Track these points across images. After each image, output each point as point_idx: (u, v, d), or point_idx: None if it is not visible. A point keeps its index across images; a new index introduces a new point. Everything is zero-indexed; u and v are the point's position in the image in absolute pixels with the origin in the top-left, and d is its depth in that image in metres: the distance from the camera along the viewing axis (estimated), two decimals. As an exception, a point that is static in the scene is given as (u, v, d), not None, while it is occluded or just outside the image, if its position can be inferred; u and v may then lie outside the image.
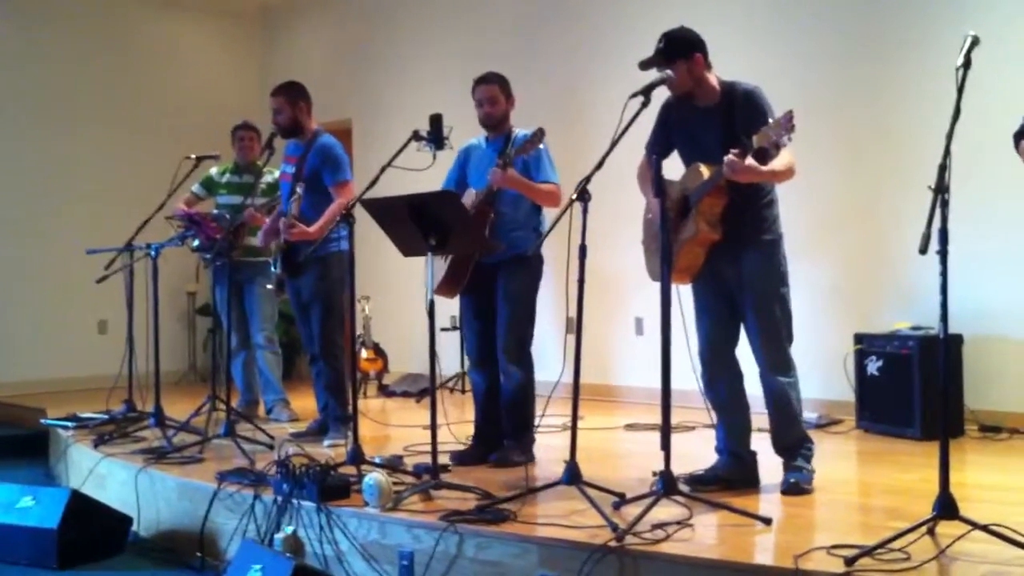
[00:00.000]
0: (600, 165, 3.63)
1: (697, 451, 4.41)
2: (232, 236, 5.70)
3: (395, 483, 3.93)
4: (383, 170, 4.27)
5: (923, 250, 2.86)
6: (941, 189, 2.94)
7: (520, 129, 4.75)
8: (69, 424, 6.15)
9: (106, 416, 6.17)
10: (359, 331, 7.62)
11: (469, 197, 4.71)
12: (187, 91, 9.47)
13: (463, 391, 7.30)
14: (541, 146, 4.48)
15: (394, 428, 6.00)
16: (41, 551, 4.39)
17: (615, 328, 7.10)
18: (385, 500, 3.77)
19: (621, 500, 3.65)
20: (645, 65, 3.90)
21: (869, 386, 5.50)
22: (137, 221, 5.91)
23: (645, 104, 3.66)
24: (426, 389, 5.85)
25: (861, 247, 6.01)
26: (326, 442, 5.32)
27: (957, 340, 5.24)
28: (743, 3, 6.47)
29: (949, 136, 2.99)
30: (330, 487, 3.93)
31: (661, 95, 4.00)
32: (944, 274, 2.98)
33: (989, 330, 5.39)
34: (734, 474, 4.03)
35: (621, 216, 6.13)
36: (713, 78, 3.96)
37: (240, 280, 6.32)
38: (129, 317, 6.12)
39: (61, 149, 8.73)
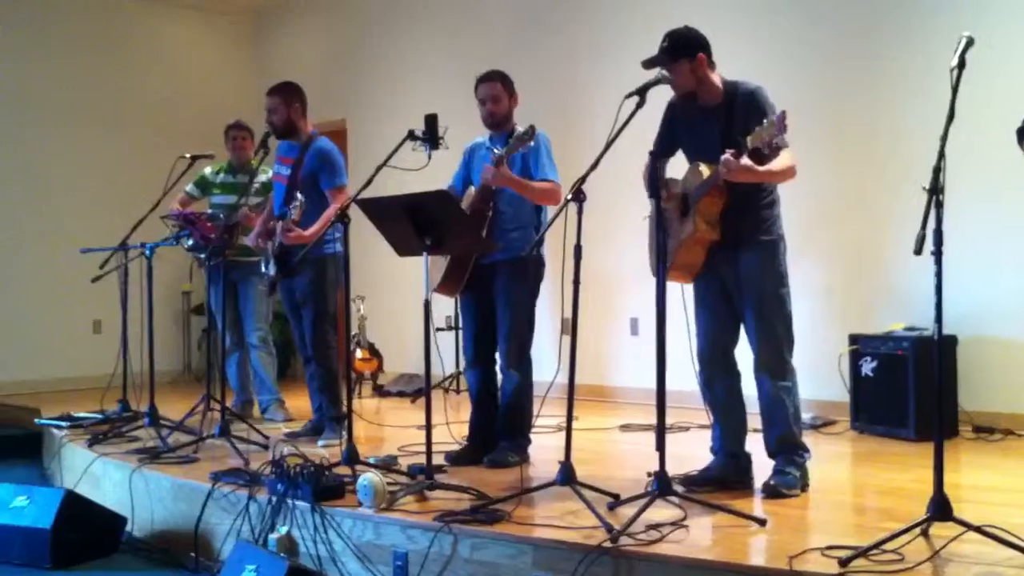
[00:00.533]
0: (595, 165, 3.62)
1: (692, 451, 4.41)
2: (227, 236, 5.69)
3: (390, 483, 3.92)
4: (378, 170, 4.26)
5: (918, 251, 2.86)
6: (936, 190, 2.94)
7: (521, 127, 4.73)
8: (63, 424, 6.14)
9: (100, 416, 6.17)
10: (354, 331, 7.61)
11: (470, 196, 4.70)
12: (182, 90, 9.46)
13: (458, 391, 7.30)
14: (532, 143, 4.45)
15: (389, 428, 6.00)
16: (35, 551, 4.39)
17: (610, 328, 7.10)
18: (380, 500, 3.76)
19: (616, 501, 3.65)
20: (648, 64, 3.90)
21: (863, 387, 5.51)
22: (131, 221, 5.90)
23: (640, 104, 3.66)
24: (421, 389, 5.84)
25: (856, 248, 6.02)
26: (321, 442, 5.31)
27: (951, 341, 5.25)
28: (735, 3, 6.47)
29: (943, 137, 2.99)
30: (325, 487, 3.92)
31: (666, 94, 3.99)
32: (939, 275, 2.98)
33: (983, 331, 5.40)
34: (729, 475, 4.03)
35: (617, 216, 6.17)
36: (717, 78, 3.95)
37: (235, 280, 6.32)
38: (124, 317, 6.12)
39: (55, 148, 8.73)
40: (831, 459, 4.80)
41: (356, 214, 4.33)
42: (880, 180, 5.88)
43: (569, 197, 3.59)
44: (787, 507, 3.73)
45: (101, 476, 5.16)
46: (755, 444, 4.10)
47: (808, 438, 4.08)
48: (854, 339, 5.59)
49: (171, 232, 6.09)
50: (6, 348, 8.37)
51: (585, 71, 7.32)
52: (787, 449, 3.96)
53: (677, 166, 4.04)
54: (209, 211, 6.34)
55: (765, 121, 3.56)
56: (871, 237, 5.94)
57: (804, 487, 3.93)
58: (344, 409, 4.83)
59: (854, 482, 4.54)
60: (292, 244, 5.25)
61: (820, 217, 5.99)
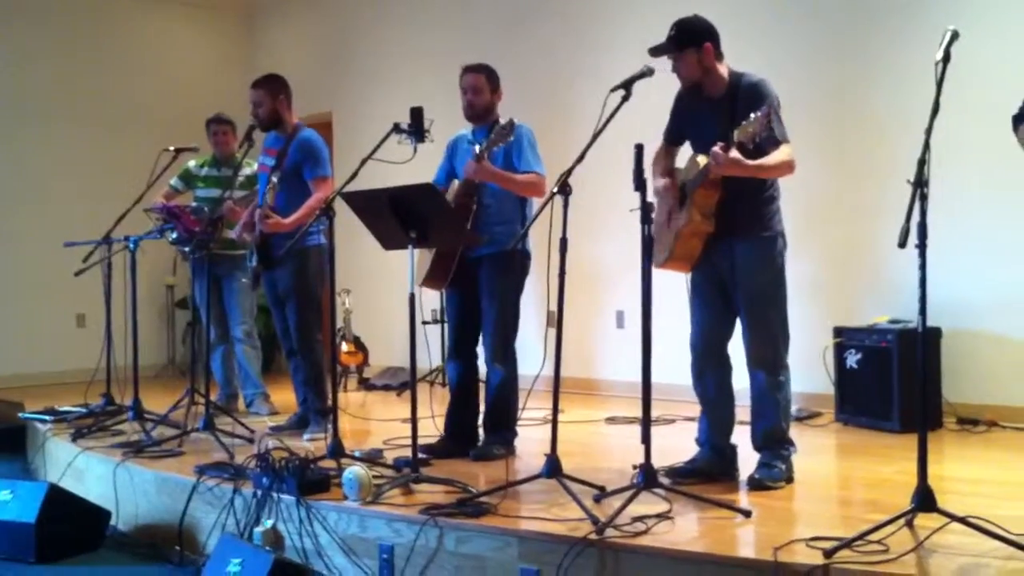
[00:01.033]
0: (581, 158, 3.63)
1: (678, 444, 4.42)
2: (211, 229, 5.67)
3: (375, 477, 3.92)
4: (363, 163, 4.25)
5: (902, 244, 2.87)
6: (920, 183, 2.95)
7: (503, 121, 4.72)
8: (47, 418, 6.12)
9: (85, 410, 6.15)
10: (340, 324, 7.60)
11: (454, 190, 4.69)
12: (167, 84, 9.41)
13: (444, 384, 7.29)
14: (513, 137, 4.44)
15: (374, 422, 6.00)
16: (19, 545, 4.38)
17: (596, 321, 7.11)
18: (365, 494, 3.76)
19: (602, 493, 3.66)
20: (655, 52, 3.89)
21: (848, 379, 5.53)
22: (115, 214, 5.87)
23: (626, 98, 3.66)
24: (407, 382, 5.83)
25: (841, 241, 6.04)
26: (306, 436, 5.30)
27: (936, 333, 5.27)
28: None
29: (928, 131, 2.99)
30: (310, 481, 3.92)
31: (664, 87, 3.98)
32: (923, 268, 2.99)
33: (967, 324, 5.43)
34: (714, 467, 4.04)
35: (603, 210, 6.16)
36: (724, 68, 3.94)
37: (219, 273, 6.29)
38: (107, 310, 6.08)
39: (38, 142, 8.67)
40: (816, 451, 4.82)
41: (341, 207, 4.32)
42: (865, 174, 5.89)
43: (555, 190, 3.58)
44: (772, 499, 3.74)
45: (85, 470, 5.14)
46: (741, 436, 4.11)
47: (793, 430, 4.09)
48: (839, 332, 5.62)
49: (155, 225, 6.07)
50: (-11, 342, 8.33)
51: (571, 64, 7.31)
52: (774, 443, 3.97)
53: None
54: (193, 204, 6.32)
55: (752, 116, 3.56)
56: (856, 230, 5.95)
57: (789, 480, 3.94)
58: (329, 403, 4.82)
59: (839, 474, 4.56)
60: (271, 232, 5.23)
61: (805, 211, 5.98)
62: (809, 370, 5.70)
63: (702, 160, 3.81)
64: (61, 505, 4.48)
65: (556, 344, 3.72)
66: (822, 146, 5.99)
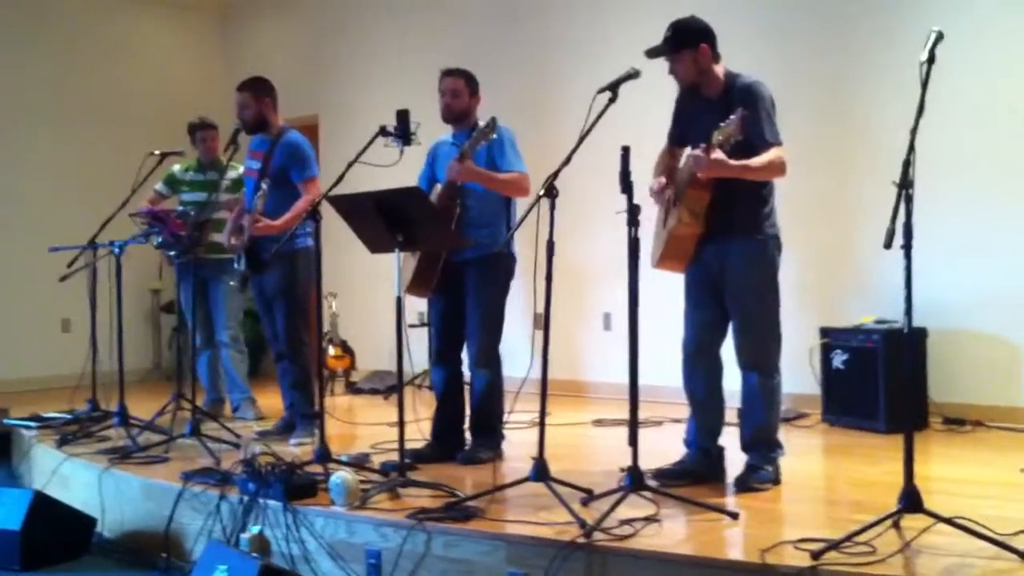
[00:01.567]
0: (568, 160, 3.63)
1: (665, 446, 4.42)
2: (196, 233, 5.65)
3: (362, 481, 3.91)
4: (349, 166, 4.23)
5: (887, 245, 2.88)
6: (905, 184, 2.95)
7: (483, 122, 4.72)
8: (32, 424, 6.07)
9: (70, 416, 6.10)
10: (326, 328, 7.58)
11: (436, 194, 4.68)
12: (152, 87, 9.36)
13: (430, 388, 7.27)
14: (494, 136, 4.44)
15: (361, 426, 5.98)
16: (4, 553, 4.35)
17: (583, 324, 7.11)
18: (352, 499, 3.75)
19: (589, 496, 3.66)
20: (651, 54, 3.90)
21: (834, 380, 5.54)
22: (100, 218, 5.84)
23: (613, 100, 3.66)
24: (394, 386, 5.82)
25: (826, 242, 6.05)
26: (292, 441, 5.28)
27: (921, 334, 5.29)
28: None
29: (913, 131, 3.00)
30: (296, 486, 3.90)
31: (659, 88, 3.97)
32: (908, 269, 3.00)
33: (953, 324, 5.45)
34: (701, 468, 4.04)
35: (590, 212, 6.16)
36: (720, 69, 3.95)
37: (205, 277, 6.27)
38: (92, 315, 6.05)
39: (22, 145, 8.61)
40: (803, 452, 4.82)
41: (327, 210, 4.30)
42: (850, 175, 5.91)
43: (542, 193, 3.58)
44: (759, 501, 3.75)
45: (70, 477, 5.11)
46: (729, 437, 4.12)
47: (780, 431, 4.10)
48: (825, 332, 5.63)
49: (140, 230, 6.04)
50: (-27, 348, 8.28)
51: (557, 66, 7.31)
52: (762, 445, 3.98)
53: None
54: (179, 208, 6.29)
55: (730, 118, 3.56)
56: (841, 231, 5.97)
57: (776, 481, 3.95)
58: (316, 407, 4.80)
59: (826, 475, 4.57)
60: (261, 235, 5.21)
61: (790, 212, 5.95)
62: (795, 371, 5.70)
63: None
64: (46, 512, 4.45)
65: (543, 347, 3.72)
66: (808, 147, 5.98)
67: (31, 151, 8.65)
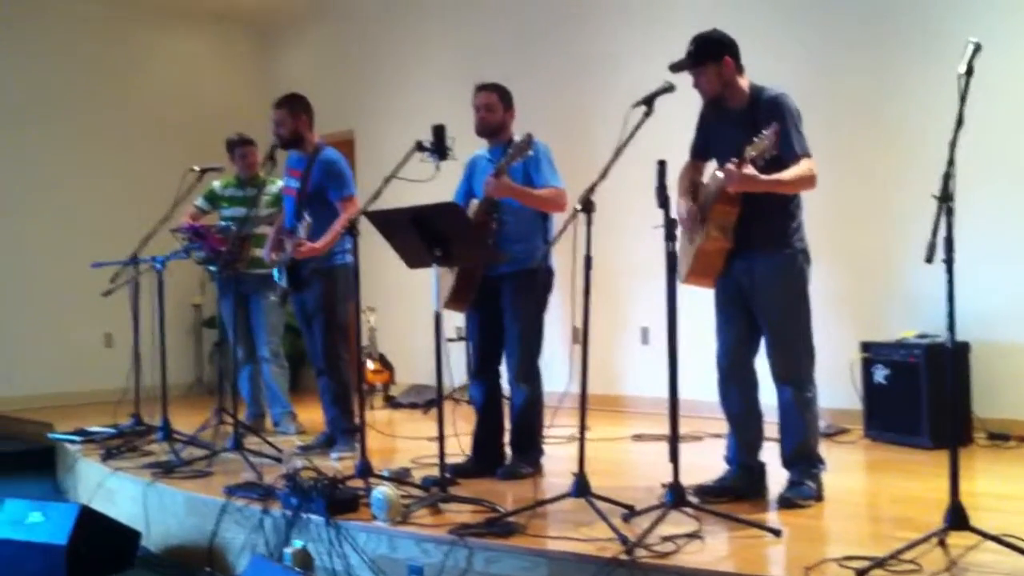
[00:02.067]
0: (604, 175, 3.63)
1: (705, 461, 4.40)
2: (237, 248, 5.71)
3: (403, 496, 3.93)
4: (386, 182, 4.27)
5: (929, 259, 2.85)
6: (946, 198, 2.93)
7: (519, 137, 4.73)
8: (76, 439, 6.15)
9: (114, 430, 6.17)
10: (365, 343, 7.62)
11: (473, 209, 4.70)
12: (191, 103, 9.48)
13: (468, 402, 7.28)
14: (531, 152, 4.45)
15: (401, 440, 6.00)
16: (51, 567, 4.38)
17: (621, 338, 7.09)
18: (394, 514, 3.76)
19: (630, 512, 3.64)
20: (675, 68, 3.89)
21: (876, 395, 5.49)
22: (141, 234, 5.92)
23: (648, 113, 3.66)
24: (433, 400, 5.84)
25: (867, 255, 6.00)
26: (334, 455, 5.32)
27: (964, 348, 5.22)
28: (742, 11, 6.46)
29: (953, 144, 2.98)
30: (338, 501, 3.92)
31: (682, 101, 3.97)
32: (950, 283, 2.97)
33: (996, 337, 5.38)
34: (743, 485, 4.01)
35: (626, 226, 6.14)
36: (744, 82, 3.93)
37: (246, 292, 6.33)
38: (135, 330, 6.13)
39: (65, 163, 8.76)
40: (845, 468, 4.77)
41: (365, 226, 4.33)
42: (890, 187, 5.86)
43: (578, 208, 3.58)
44: (802, 517, 3.71)
45: (115, 491, 5.17)
46: (770, 453, 4.09)
47: (822, 447, 4.07)
48: (866, 347, 5.58)
49: (181, 245, 6.11)
50: (18, 363, 8.40)
51: (591, 81, 7.32)
52: (803, 460, 3.94)
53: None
54: (220, 223, 6.36)
55: (763, 132, 3.55)
56: (882, 244, 5.92)
57: (819, 498, 3.91)
58: (357, 421, 4.83)
59: (869, 491, 4.53)
60: (305, 258, 5.26)
61: (830, 225, 5.95)
62: (836, 385, 5.65)
63: (720, 175, 3.81)
64: (92, 526, 4.48)
65: (582, 361, 3.72)
66: (845, 158, 5.96)
67: (73, 169, 8.79)
